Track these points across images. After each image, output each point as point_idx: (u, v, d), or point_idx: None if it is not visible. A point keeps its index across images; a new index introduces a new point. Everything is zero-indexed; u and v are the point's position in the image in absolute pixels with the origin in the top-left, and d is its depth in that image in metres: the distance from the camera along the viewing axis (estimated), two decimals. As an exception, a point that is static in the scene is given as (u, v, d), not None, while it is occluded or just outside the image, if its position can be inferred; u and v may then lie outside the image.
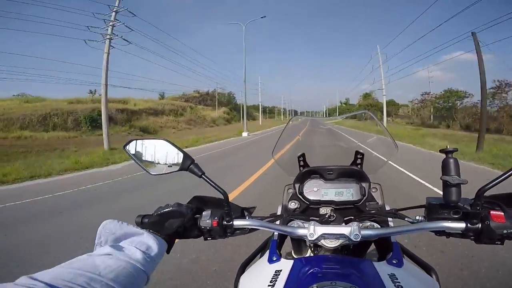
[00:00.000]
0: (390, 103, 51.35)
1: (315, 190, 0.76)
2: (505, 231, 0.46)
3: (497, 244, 0.48)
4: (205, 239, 0.60)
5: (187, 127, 32.61)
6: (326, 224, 0.60)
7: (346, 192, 0.74)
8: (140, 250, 0.45)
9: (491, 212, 0.47)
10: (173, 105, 37.43)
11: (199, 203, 0.64)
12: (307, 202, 0.75)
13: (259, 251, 0.73)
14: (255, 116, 64.79)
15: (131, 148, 0.62)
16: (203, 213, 0.59)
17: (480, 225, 0.48)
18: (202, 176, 0.58)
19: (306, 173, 0.78)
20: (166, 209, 0.57)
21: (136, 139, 0.63)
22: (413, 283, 0.50)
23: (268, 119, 72.92)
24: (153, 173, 0.62)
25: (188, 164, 0.58)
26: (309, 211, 0.74)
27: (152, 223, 0.53)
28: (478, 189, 0.46)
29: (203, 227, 0.58)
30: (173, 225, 0.54)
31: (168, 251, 0.54)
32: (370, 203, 0.73)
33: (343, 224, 0.60)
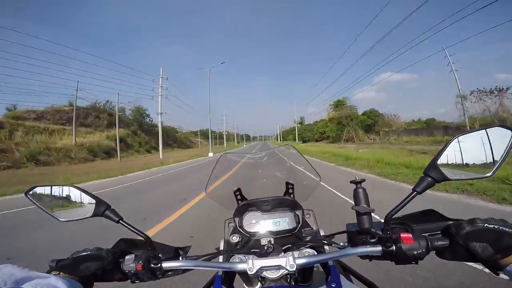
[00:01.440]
0: (373, 113, 45.36)
1: (253, 222, 0.77)
2: (415, 252, 0.49)
3: (412, 264, 0.52)
4: (132, 282, 0.58)
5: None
6: (265, 256, 0.61)
7: (282, 221, 0.76)
8: None
9: (401, 234, 0.51)
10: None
11: (126, 245, 0.62)
12: (248, 235, 0.76)
13: (208, 287, 0.72)
14: (191, 143, 62.24)
15: (35, 194, 0.58)
16: (126, 257, 0.57)
17: (394, 248, 0.51)
18: (120, 221, 0.56)
19: (244, 206, 0.80)
20: (83, 253, 0.55)
21: (41, 186, 0.60)
22: None
23: (215, 146, 62.84)
24: (62, 220, 0.59)
25: (102, 210, 0.57)
26: (251, 243, 0.75)
27: (65, 266, 0.51)
28: (386, 215, 0.51)
29: (127, 271, 0.55)
30: (90, 268, 0.52)
31: None
32: (306, 229, 0.76)
33: (282, 253, 0.62)
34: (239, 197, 0.85)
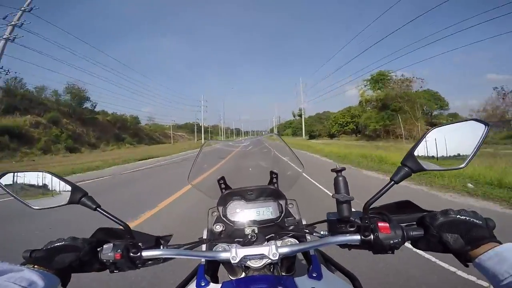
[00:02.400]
0: (434, 96, 29.40)
1: (237, 211, 0.77)
2: (391, 241, 0.50)
3: (388, 253, 0.53)
4: (111, 272, 0.56)
5: None
6: (249, 245, 0.61)
7: (266, 211, 0.77)
8: (20, 285, 0.41)
9: (379, 223, 0.52)
10: None
11: (105, 235, 0.61)
12: (232, 224, 0.76)
13: (191, 278, 0.72)
14: (165, 137, 53.98)
15: (7, 181, 0.56)
16: (104, 246, 0.55)
17: (372, 237, 0.52)
18: (97, 209, 0.55)
19: (228, 195, 0.80)
20: (58, 243, 0.53)
21: (14, 171, 0.57)
22: None
23: (192, 142, 55.81)
24: (36, 208, 0.56)
25: (79, 197, 0.55)
26: (235, 232, 0.75)
27: (40, 258, 0.50)
28: (365, 203, 0.52)
29: (105, 260, 0.54)
30: (65, 259, 0.51)
31: (64, 285, 0.51)
32: (288, 219, 0.77)
33: (265, 243, 0.62)
34: (223, 185, 0.84)
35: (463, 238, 0.46)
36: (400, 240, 0.51)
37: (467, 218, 0.48)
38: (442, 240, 0.48)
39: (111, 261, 0.54)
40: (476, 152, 0.50)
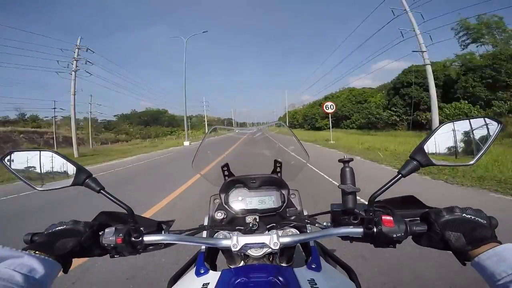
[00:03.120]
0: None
1: (240, 199, 0.77)
2: (395, 235, 0.50)
3: (390, 247, 0.53)
4: (111, 256, 0.56)
5: None
6: (250, 233, 0.61)
7: (268, 200, 0.77)
8: (20, 273, 0.41)
9: (383, 217, 0.51)
10: None
11: (107, 218, 0.60)
12: (233, 212, 0.75)
13: (190, 265, 0.72)
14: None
15: (12, 161, 0.55)
16: (106, 230, 0.55)
17: (375, 230, 0.51)
18: (101, 191, 0.54)
19: (231, 182, 0.79)
20: (59, 227, 0.53)
21: (18, 150, 0.56)
22: (331, 287, 0.53)
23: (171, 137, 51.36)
24: (39, 189, 0.56)
25: (83, 178, 0.54)
26: (236, 220, 0.75)
27: (41, 244, 0.49)
28: (370, 196, 0.51)
29: (106, 245, 0.54)
30: (66, 244, 0.50)
31: (65, 271, 0.51)
32: (290, 209, 0.77)
33: (266, 231, 0.62)
34: (226, 172, 0.83)
35: (465, 237, 0.46)
36: (403, 234, 0.50)
37: (472, 217, 0.47)
38: (444, 238, 0.48)
39: (112, 245, 0.54)
40: (487, 149, 0.49)
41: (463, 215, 0.48)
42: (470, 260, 0.46)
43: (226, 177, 0.82)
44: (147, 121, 63.11)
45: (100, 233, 0.55)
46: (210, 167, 0.90)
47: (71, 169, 0.55)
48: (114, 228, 0.55)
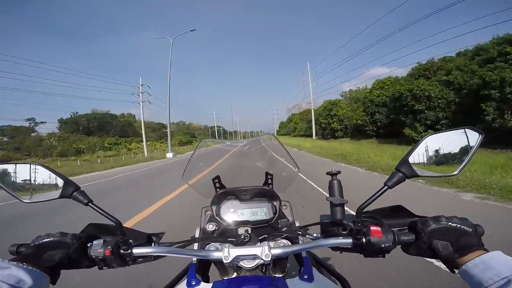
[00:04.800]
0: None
1: (231, 211, 0.77)
2: (383, 245, 0.51)
3: (380, 257, 0.54)
4: (100, 268, 0.56)
5: None
6: (242, 245, 0.61)
7: (260, 212, 0.77)
8: (8, 284, 0.41)
9: (371, 227, 0.52)
10: None
11: (95, 230, 0.60)
12: (225, 224, 0.75)
13: (181, 276, 0.71)
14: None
15: (-3, 173, 0.54)
16: (94, 242, 0.55)
17: (364, 240, 0.52)
18: (89, 204, 0.54)
19: (222, 194, 0.79)
20: (46, 239, 0.52)
21: (4, 163, 0.56)
22: None
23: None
24: (26, 201, 0.56)
25: (71, 191, 0.54)
26: (228, 232, 0.75)
27: (28, 255, 0.49)
28: (358, 207, 0.52)
29: (94, 257, 0.54)
30: (54, 256, 0.50)
31: (53, 282, 0.50)
32: (282, 220, 0.77)
33: (258, 243, 0.62)
34: (217, 184, 0.84)
35: (452, 245, 0.47)
36: (391, 244, 0.51)
37: (458, 226, 0.48)
38: (432, 247, 0.48)
39: (100, 257, 0.53)
40: (470, 159, 0.51)
41: (449, 223, 0.49)
42: (458, 268, 0.46)
43: (218, 189, 0.82)
44: (93, 128, 44.47)
45: (88, 245, 0.55)
46: (201, 178, 0.90)
47: (59, 181, 0.55)
48: (102, 240, 0.55)
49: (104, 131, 45.17)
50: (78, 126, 43.56)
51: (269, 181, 0.85)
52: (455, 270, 0.48)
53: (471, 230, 0.48)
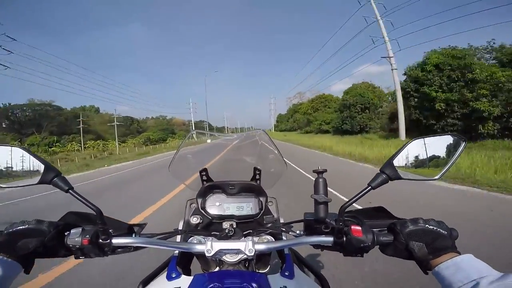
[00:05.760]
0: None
1: (217, 204, 0.77)
2: (362, 245, 0.52)
3: (358, 256, 0.55)
4: (76, 257, 0.55)
5: None
6: (226, 239, 0.61)
7: (246, 206, 0.77)
8: None
9: (352, 227, 0.53)
10: None
11: (75, 219, 0.59)
12: (210, 217, 0.75)
13: (162, 269, 0.71)
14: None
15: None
16: (72, 230, 0.54)
17: (344, 239, 0.53)
18: (69, 191, 0.52)
19: (209, 187, 0.79)
20: (21, 226, 0.50)
21: None
22: None
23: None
24: (3, 186, 0.54)
25: (51, 177, 0.52)
26: (212, 226, 0.74)
27: (0, 243, 0.48)
28: (340, 207, 0.53)
29: (71, 245, 0.52)
30: (28, 245, 0.49)
31: (27, 272, 0.49)
32: (267, 216, 0.77)
33: (242, 238, 0.62)
34: (204, 177, 0.83)
35: (427, 247, 0.48)
36: (370, 244, 0.52)
37: (434, 228, 0.50)
38: (408, 248, 0.50)
39: (77, 246, 0.52)
40: (451, 165, 0.52)
41: (426, 225, 0.50)
42: (431, 270, 0.48)
43: (205, 182, 0.82)
44: (24, 123, 35.81)
45: (66, 234, 0.53)
46: (187, 169, 0.89)
47: (39, 166, 0.53)
48: (81, 229, 0.54)
49: (41, 127, 36.29)
50: (3, 120, 35.06)
51: (257, 176, 0.85)
52: (428, 271, 0.50)
53: (446, 233, 0.49)
